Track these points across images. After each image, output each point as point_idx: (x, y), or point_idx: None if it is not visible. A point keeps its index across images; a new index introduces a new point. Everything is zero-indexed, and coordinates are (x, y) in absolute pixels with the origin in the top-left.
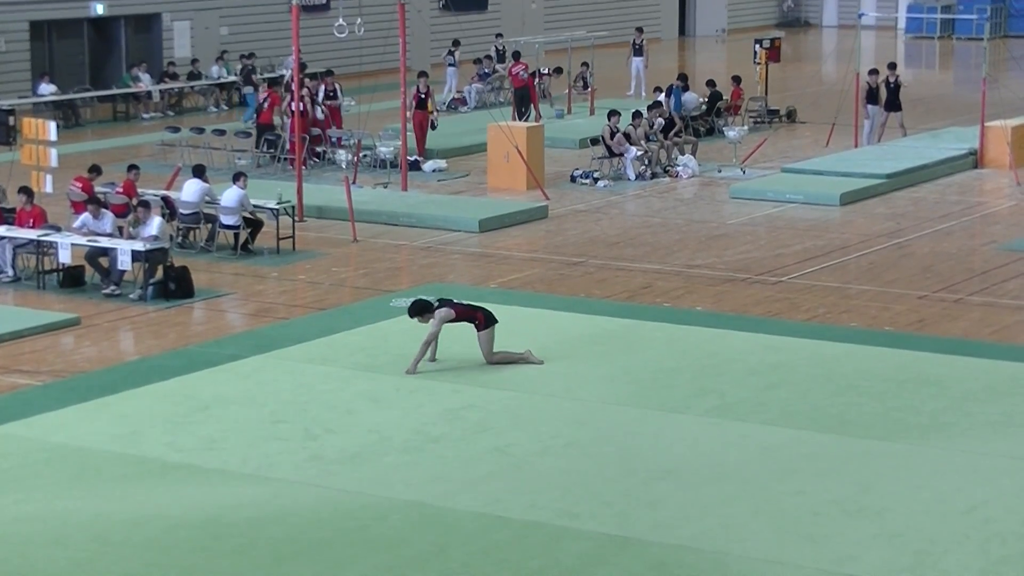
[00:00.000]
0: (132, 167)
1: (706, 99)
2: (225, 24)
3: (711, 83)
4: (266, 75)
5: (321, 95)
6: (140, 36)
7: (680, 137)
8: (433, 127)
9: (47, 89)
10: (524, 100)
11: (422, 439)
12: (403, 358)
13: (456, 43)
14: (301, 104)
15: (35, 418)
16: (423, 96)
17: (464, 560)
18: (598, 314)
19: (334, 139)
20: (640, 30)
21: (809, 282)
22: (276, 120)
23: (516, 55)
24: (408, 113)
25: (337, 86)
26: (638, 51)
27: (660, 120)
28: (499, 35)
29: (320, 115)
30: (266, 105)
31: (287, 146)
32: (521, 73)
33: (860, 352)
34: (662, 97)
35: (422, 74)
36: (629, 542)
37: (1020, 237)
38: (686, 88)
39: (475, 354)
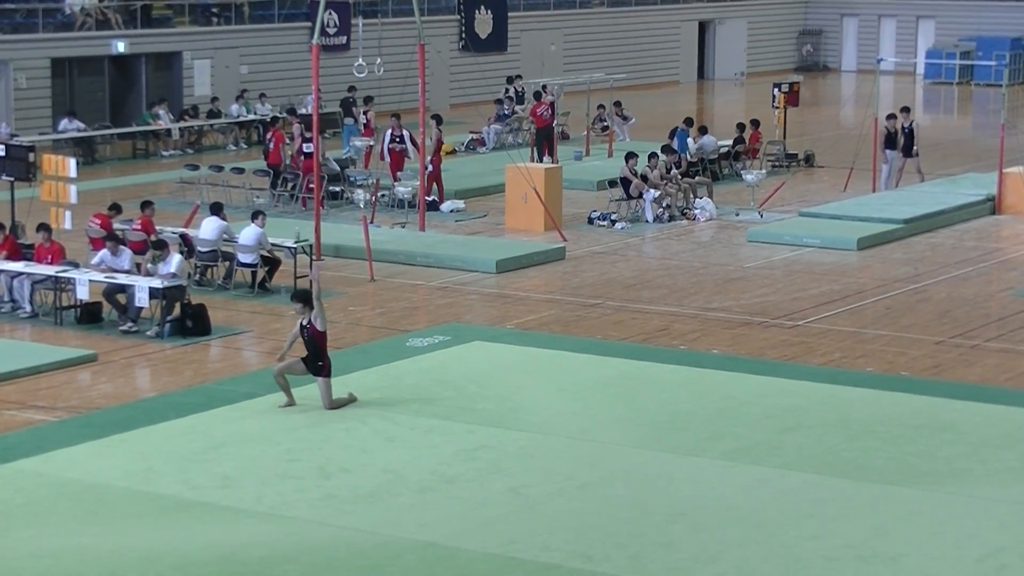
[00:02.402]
0: (147, 203)
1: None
2: (245, 63)
3: (741, 126)
4: (270, 115)
5: (387, 140)
6: (160, 74)
7: (695, 179)
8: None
9: (71, 126)
10: (547, 139)
11: (436, 479)
12: (419, 399)
13: (369, 99)
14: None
15: (51, 454)
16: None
17: None
18: (614, 356)
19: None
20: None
21: (826, 326)
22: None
23: (538, 95)
24: (415, 155)
25: (405, 132)
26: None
27: (673, 166)
28: (518, 76)
29: (300, 155)
30: (272, 145)
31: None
32: (544, 113)
33: (876, 397)
34: (704, 139)
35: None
36: None
37: None
38: (705, 130)
39: (486, 394)
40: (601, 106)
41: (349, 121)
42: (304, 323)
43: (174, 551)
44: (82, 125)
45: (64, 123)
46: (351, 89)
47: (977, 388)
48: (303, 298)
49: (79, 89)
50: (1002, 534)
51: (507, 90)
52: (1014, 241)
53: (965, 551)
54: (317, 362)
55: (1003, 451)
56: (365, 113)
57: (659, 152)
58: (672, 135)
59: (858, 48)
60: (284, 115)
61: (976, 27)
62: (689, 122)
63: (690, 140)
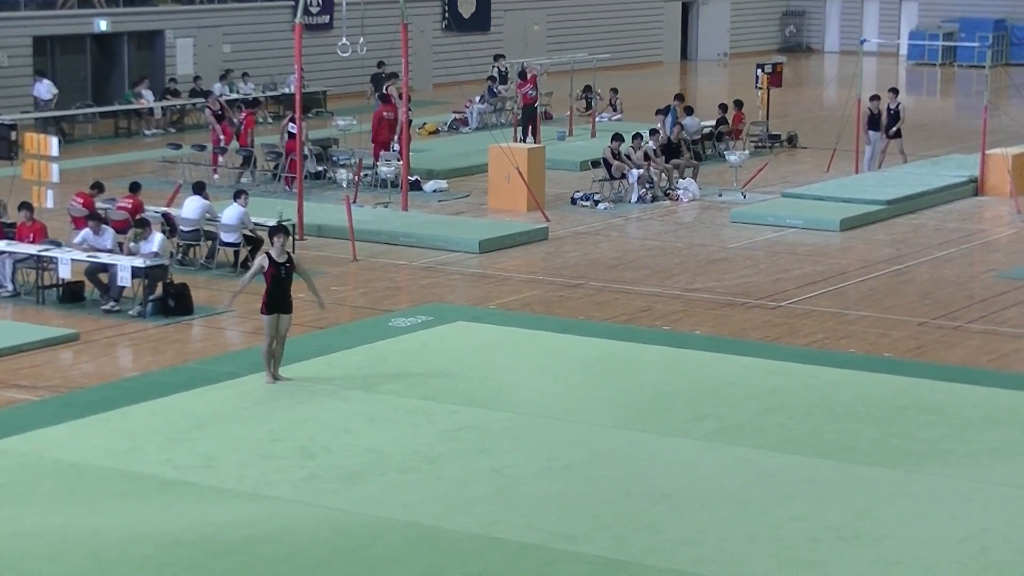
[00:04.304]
0: (137, 185)
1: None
2: (228, 42)
3: (724, 107)
4: (243, 96)
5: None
6: (143, 53)
7: (681, 160)
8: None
9: (43, 89)
10: (532, 118)
11: (419, 459)
12: (401, 379)
13: (393, 75)
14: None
15: (33, 433)
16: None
17: None
18: (597, 336)
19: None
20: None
21: (808, 307)
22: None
23: (522, 74)
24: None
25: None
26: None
27: (650, 144)
28: (501, 56)
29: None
30: (243, 128)
31: (286, 165)
32: (530, 91)
33: (859, 378)
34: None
35: (382, 98)
36: (626, 565)
37: (1020, 265)
38: (689, 111)
39: (469, 374)
40: (587, 86)
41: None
42: (283, 260)
43: (156, 530)
44: (52, 86)
45: (39, 86)
46: (380, 64)
47: (959, 369)
48: (286, 231)
49: (61, 67)
50: (984, 515)
51: (494, 68)
52: (996, 222)
53: (948, 532)
54: (288, 299)
55: (985, 432)
56: (386, 88)
57: (642, 134)
58: (665, 112)
59: (841, 29)
60: (264, 96)
61: (959, 8)
62: (680, 98)
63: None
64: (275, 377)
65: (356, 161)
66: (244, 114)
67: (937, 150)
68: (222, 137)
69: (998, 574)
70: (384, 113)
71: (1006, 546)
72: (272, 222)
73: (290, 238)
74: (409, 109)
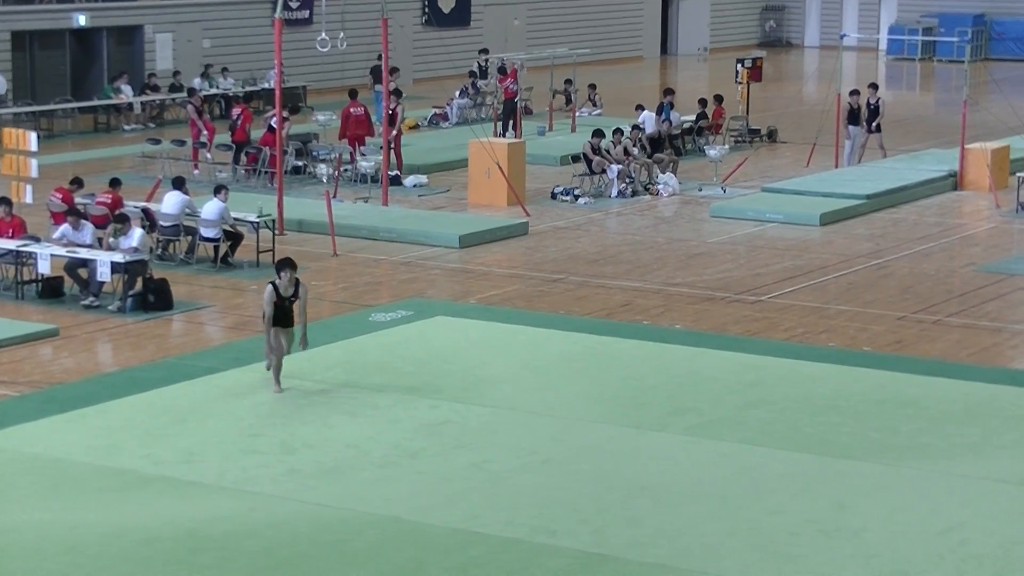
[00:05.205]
0: (116, 181)
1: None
2: (208, 37)
3: (704, 102)
4: (247, 90)
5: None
6: (122, 48)
7: (663, 155)
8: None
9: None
10: (513, 113)
11: (400, 454)
12: (381, 374)
13: (394, 70)
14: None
15: (11, 429)
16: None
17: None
18: (577, 331)
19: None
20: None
21: (788, 302)
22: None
23: (503, 69)
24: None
25: (361, 108)
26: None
27: (628, 141)
28: (485, 50)
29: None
30: (239, 122)
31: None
32: (511, 85)
33: (838, 372)
34: (644, 115)
35: (395, 92)
36: (606, 560)
37: (999, 259)
38: (671, 105)
39: (449, 369)
40: (568, 81)
41: (379, 88)
42: (288, 295)
43: (137, 526)
44: (4, 81)
45: None
46: (380, 57)
47: (939, 363)
48: (293, 266)
49: (40, 63)
50: (963, 509)
51: (479, 62)
52: (976, 217)
53: (927, 525)
54: (288, 317)
55: (964, 426)
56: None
57: (623, 129)
58: (659, 110)
59: (821, 24)
60: (243, 91)
61: (938, 3)
62: (670, 92)
63: (650, 115)
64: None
65: (336, 156)
66: (240, 108)
67: (916, 145)
68: (204, 133)
69: (977, 567)
70: (352, 109)
71: (985, 539)
72: (252, 217)
73: (296, 272)
74: (400, 104)
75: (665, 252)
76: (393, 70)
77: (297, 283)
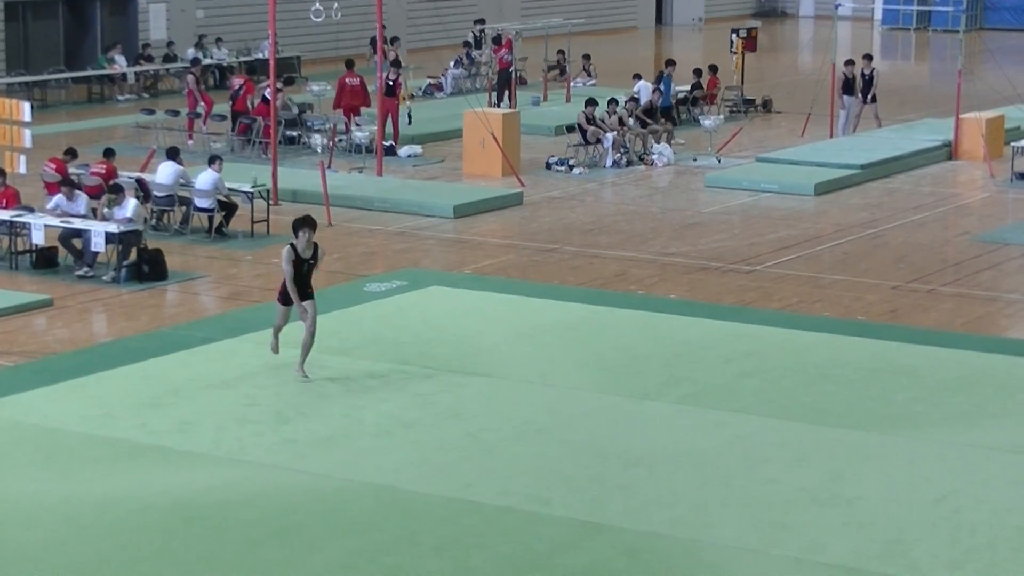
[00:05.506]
0: (111, 151)
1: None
2: (201, 7)
3: (699, 72)
4: (242, 60)
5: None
6: (116, 18)
7: (658, 125)
8: (408, 121)
9: None
10: (507, 83)
11: (394, 424)
12: (376, 344)
13: (394, 39)
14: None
15: (6, 399)
16: (390, 83)
17: (435, 545)
18: (571, 301)
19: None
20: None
21: (783, 271)
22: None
23: (497, 39)
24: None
25: (357, 79)
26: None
27: (624, 111)
28: (481, 20)
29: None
30: (242, 92)
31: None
32: (506, 56)
33: (833, 341)
34: (640, 84)
35: (395, 63)
36: (601, 528)
37: (993, 229)
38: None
39: (444, 339)
40: (561, 51)
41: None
42: (308, 256)
43: (131, 496)
44: None
45: None
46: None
47: (933, 333)
48: (312, 224)
49: (33, 33)
50: (956, 477)
51: (473, 33)
52: (970, 187)
53: (920, 494)
54: (308, 289)
55: (958, 395)
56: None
57: (617, 99)
58: (658, 80)
59: None
60: (240, 60)
61: None
62: (671, 63)
63: (646, 85)
64: (304, 373)
65: (330, 126)
66: (243, 79)
67: (911, 115)
68: (202, 104)
69: (970, 535)
70: (347, 80)
71: (978, 507)
72: (247, 187)
73: (315, 231)
74: (399, 75)
75: (659, 222)
76: (394, 39)
77: (315, 251)
